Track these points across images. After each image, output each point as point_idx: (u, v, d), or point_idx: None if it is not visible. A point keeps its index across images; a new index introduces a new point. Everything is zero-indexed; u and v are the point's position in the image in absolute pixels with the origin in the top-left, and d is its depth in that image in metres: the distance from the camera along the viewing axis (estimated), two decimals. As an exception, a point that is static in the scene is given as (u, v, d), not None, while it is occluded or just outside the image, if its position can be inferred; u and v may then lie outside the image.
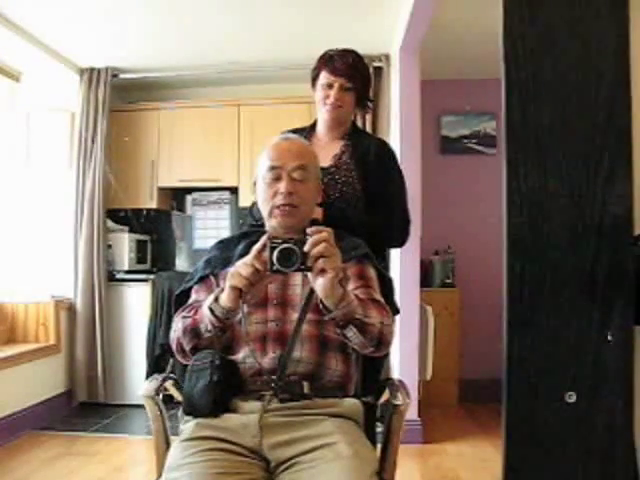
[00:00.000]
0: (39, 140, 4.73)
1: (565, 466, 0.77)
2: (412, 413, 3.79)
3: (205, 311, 1.57)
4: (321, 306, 1.50)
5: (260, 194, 1.76)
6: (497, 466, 2.86)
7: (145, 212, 5.20)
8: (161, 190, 4.99)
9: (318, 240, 1.44)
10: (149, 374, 4.26)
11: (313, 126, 2.39)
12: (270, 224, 1.75)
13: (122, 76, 4.81)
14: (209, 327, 1.57)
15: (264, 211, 1.76)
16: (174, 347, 1.68)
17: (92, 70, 4.73)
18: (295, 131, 2.31)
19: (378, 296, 1.69)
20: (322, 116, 2.31)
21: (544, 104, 0.75)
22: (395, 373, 3.86)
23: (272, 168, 1.73)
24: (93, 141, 4.67)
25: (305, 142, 1.84)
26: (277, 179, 1.72)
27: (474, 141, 5.14)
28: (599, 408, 0.75)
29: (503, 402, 0.75)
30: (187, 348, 1.64)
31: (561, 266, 0.75)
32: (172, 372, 1.96)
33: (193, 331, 1.61)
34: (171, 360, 1.87)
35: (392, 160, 2.34)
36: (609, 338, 0.75)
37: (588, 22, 0.76)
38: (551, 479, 0.78)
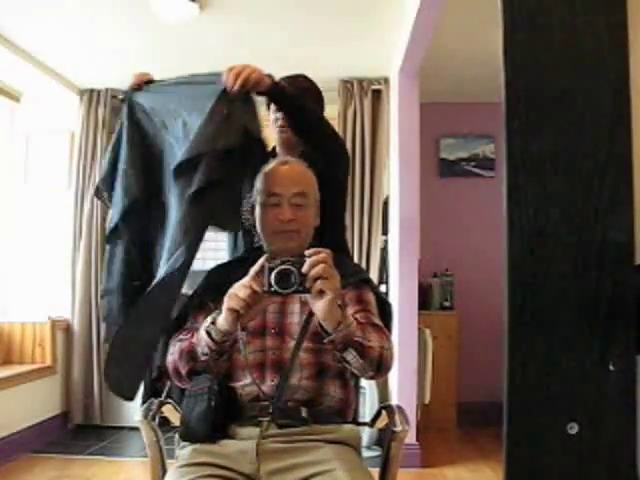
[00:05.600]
0: (38, 160, 4.74)
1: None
2: (410, 437, 3.75)
3: (202, 334, 1.54)
4: (320, 329, 1.48)
5: (258, 219, 1.75)
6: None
7: (143, 233, 5.17)
8: (160, 211, 4.95)
9: (316, 261, 1.43)
10: (146, 397, 4.22)
11: (273, 149, 2.39)
12: (270, 249, 1.74)
13: (122, 97, 4.81)
14: (206, 350, 1.54)
15: (263, 236, 1.75)
16: (170, 370, 1.66)
17: (92, 91, 4.73)
18: None
19: (377, 320, 1.68)
20: (276, 137, 2.33)
21: (545, 133, 0.75)
22: (393, 396, 3.84)
23: (272, 194, 1.71)
24: (92, 162, 4.67)
25: (303, 165, 1.82)
26: (277, 205, 1.70)
27: (473, 164, 5.15)
28: (601, 439, 0.74)
29: (503, 433, 0.74)
30: (183, 371, 1.62)
31: (562, 295, 0.75)
32: (168, 395, 1.94)
33: (189, 354, 1.59)
34: (168, 383, 1.85)
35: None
36: (611, 368, 0.74)
37: (589, 52, 0.77)
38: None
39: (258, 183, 1.76)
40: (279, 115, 2.26)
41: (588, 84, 0.77)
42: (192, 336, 1.61)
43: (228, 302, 1.48)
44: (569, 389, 0.73)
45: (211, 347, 1.53)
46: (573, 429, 0.73)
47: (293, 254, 1.60)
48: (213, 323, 1.52)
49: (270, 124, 2.34)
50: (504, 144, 0.78)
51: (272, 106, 2.30)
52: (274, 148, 2.39)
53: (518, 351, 0.73)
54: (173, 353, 1.64)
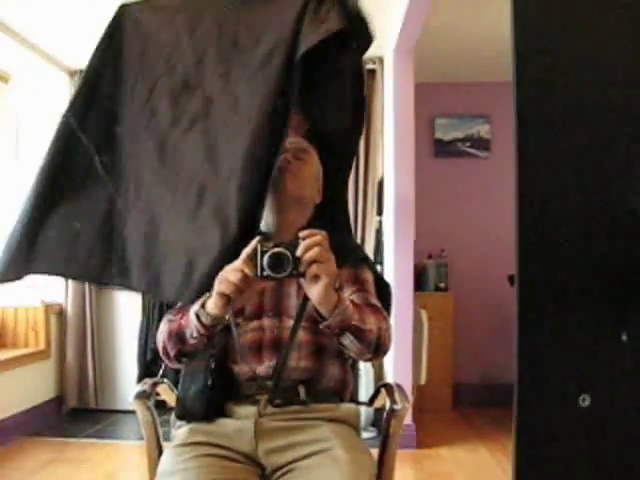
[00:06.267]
0: (29, 142, 4.68)
1: (577, 471, 0.74)
2: (406, 418, 3.75)
3: (191, 317, 1.48)
4: (315, 314, 1.44)
5: None
6: (493, 471, 2.80)
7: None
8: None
9: (311, 244, 1.37)
10: (140, 379, 4.21)
11: None
12: (268, 219, 1.65)
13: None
14: (194, 334, 1.48)
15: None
16: (160, 350, 1.61)
17: (82, 72, 4.66)
18: None
19: (374, 300, 1.65)
20: None
21: (556, 97, 0.73)
22: (389, 377, 3.83)
23: None
24: (84, 144, 4.61)
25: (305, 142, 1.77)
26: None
27: (468, 144, 5.11)
28: (614, 412, 0.73)
29: (514, 406, 0.72)
30: (171, 353, 1.57)
31: (574, 265, 0.73)
32: (164, 376, 1.92)
33: (178, 336, 1.54)
34: (163, 365, 1.83)
35: None
36: (624, 338, 0.72)
37: (603, 17, 0.74)
38: (563, 485, 0.76)
39: None
40: None
41: (603, 49, 0.74)
42: (182, 317, 1.55)
43: (219, 286, 1.41)
44: (581, 360, 0.71)
45: (200, 331, 1.47)
46: (585, 401, 0.71)
47: (290, 201, 1.56)
48: (203, 307, 1.46)
49: None
50: (514, 113, 0.75)
51: None
52: None
53: (529, 322, 0.71)
54: (162, 333, 1.60)
